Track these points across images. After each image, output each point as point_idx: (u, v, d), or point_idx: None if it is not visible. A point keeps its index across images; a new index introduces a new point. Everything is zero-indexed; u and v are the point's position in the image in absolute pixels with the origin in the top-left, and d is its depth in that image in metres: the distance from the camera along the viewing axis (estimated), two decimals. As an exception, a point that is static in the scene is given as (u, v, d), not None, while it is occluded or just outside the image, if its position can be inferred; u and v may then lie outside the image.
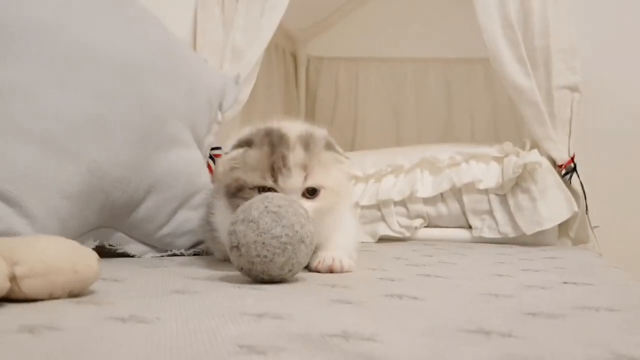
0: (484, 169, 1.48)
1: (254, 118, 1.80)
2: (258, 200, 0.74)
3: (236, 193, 0.83)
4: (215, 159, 1.54)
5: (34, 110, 0.85)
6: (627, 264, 1.45)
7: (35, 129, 0.85)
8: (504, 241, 1.44)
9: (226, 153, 0.86)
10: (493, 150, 1.51)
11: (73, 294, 0.60)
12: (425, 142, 2.12)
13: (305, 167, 0.82)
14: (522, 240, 1.42)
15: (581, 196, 1.46)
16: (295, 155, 0.82)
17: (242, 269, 0.74)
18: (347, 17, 2.30)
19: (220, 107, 1.39)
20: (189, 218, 1.11)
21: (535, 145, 1.50)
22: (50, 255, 0.58)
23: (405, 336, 0.45)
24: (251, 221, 0.72)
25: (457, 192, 1.49)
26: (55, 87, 0.87)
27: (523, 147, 1.52)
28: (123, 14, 1.05)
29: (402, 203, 1.51)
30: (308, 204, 0.82)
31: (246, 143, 0.84)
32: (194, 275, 0.80)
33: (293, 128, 0.85)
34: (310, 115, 2.41)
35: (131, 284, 0.71)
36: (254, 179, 0.82)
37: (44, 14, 0.88)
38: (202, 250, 1.13)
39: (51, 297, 0.58)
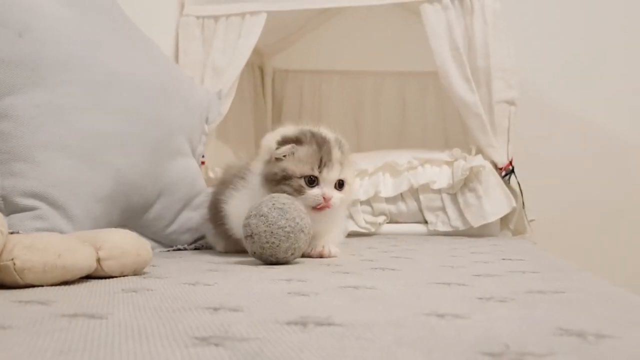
0: (437, 172, 1.69)
1: (226, 126, 1.98)
2: (267, 199, 0.94)
3: (281, 181, 1.01)
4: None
5: (74, 128, 1.02)
6: (558, 249, 1.71)
7: (74, 144, 1.02)
8: (455, 233, 1.64)
9: (276, 148, 1.01)
10: (444, 156, 1.73)
11: (136, 273, 0.79)
12: (383, 147, 2.32)
13: (341, 164, 1.02)
14: (470, 232, 1.63)
15: (518, 194, 1.70)
16: (336, 153, 1.02)
17: (254, 253, 0.93)
18: (310, 34, 2.46)
19: (206, 120, 1.57)
20: (190, 217, 1.29)
21: (479, 150, 1.70)
22: (122, 242, 0.77)
23: (394, 287, 0.66)
24: (262, 215, 0.92)
25: (414, 192, 1.69)
26: (90, 109, 1.05)
27: (469, 153, 1.72)
28: (136, 43, 1.23)
29: (367, 202, 1.71)
30: (338, 194, 1.02)
31: (294, 141, 1.01)
32: (212, 261, 0.99)
33: (328, 133, 1.06)
34: (277, 124, 2.59)
35: (169, 268, 0.89)
36: (304, 169, 1.00)
37: (80, 48, 1.05)
38: (201, 245, 1.32)
39: (122, 275, 0.77)
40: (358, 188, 1.70)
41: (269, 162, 1.03)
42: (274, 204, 0.92)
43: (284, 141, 1.02)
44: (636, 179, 2.30)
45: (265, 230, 0.90)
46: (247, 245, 0.93)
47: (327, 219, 1.05)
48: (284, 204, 0.93)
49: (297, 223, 0.92)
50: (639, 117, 2.32)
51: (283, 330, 0.43)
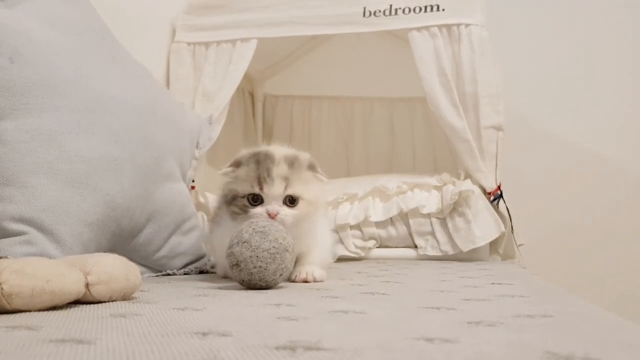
0: (426, 196, 1.71)
1: (217, 151, 1.99)
2: (246, 225, 0.94)
3: (231, 201, 1.04)
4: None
5: (63, 153, 1.02)
6: (547, 273, 1.72)
7: (63, 169, 1.02)
8: (444, 258, 1.66)
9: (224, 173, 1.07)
10: (433, 180, 1.75)
11: (125, 298, 0.78)
12: (373, 172, 2.34)
13: (286, 179, 1.02)
14: (460, 257, 1.65)
15: (507, 218, 1.72)
16: (279, 169, 1.02)
17: (243, 281, 0.93)
18: (300, 60, 2.49)
19: (197, 144, 1.58)
20: (180, 242, 1.29)
21: (468, 175, 1.73)
22: (111, 267, 0.76)
23: (384, 311, 0.66)
24: (244, 242, 0.91)
25: (404, 217, 1.71)
26: (79, 133, 1.05)
27: (458, 177, 1.75)
28: (126, 68, 1.24)
29: (357, 227, 1.72)
30: (288, 210, 1.02)
31: (235, 164, 1.06)
32: (201, 286, 0.98)
33: (281, 150, 1.07)
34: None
35: (158, 293, 0.89)
36: (245, 188, 1.03)
37: (70, 73, 1.06)
38: (191, 270, 1.31)
39: (111, 300, 0.76)
40: (348, 211, 1.71)
41: (225, 185, 1.07)
42: (254, 229, 0.92)
43: (230, 165, 1.06)
44: (624, 202, 2.33)
45: (250, 256, 0.90)
46: (234, 274, 0.92)
47: (303, 239, 1.05)
48: (264, 226, 0.93)
49: (281, 243, 0.92)
50: (626, 141, 2.35)
51: (272, 355, 0.43)
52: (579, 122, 2.37)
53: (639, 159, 2.34)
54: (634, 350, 0.46)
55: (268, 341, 0.48)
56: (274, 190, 1.01)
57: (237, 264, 0.91)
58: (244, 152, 1.08)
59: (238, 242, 0.92)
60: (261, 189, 1.01)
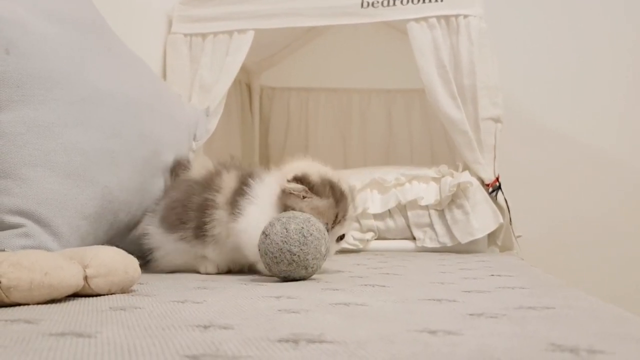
0: (424, 188, 1.70)
1: (214, 143, 1.98)
2: (296, 231, 0.89)
3: None
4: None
5: (60, 145, 1.01)
6: (545, 265, 1.71)
7: (60, 161, 1.01)
8: (442, 250, 1.65)
9: (288, 181, 1.00)
10: (431, 172, 1.74)
11: (124, 291, 0.78)
12: (370, 164, 2.34)
13: (350, 218, 1.04)
14: (458, 249, 1.64)
15: (505, 210, 1.71)
16: (351, 210, 1.04)
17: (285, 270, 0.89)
18: (297, 51, 2.48)
19: (194, 137, 1.57)
20: (178, 235, 1.28)
21: (466, 167, 1.72)
22: (109, 259, 0.76)
23: (385, 303, 0.65)
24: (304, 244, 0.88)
25: (402, 208, 1.70)
26: (76, 125, 1.04)
27: (456, 169, 1.74)
28: (123, 61, 1.23)
29: (355, 219, 1.71)
30: (336, 246, 1.03)
31: (312, 188, 0.99)
32: (200, 279, 0.98)
33: (342, 179, 1.05)
34: (264, 141, 2.60)
35: (157, 285, 0.88)
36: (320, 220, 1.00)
37: (66, 65, 1.05)
38: (189, 262, 1.30)
39: (109, 293, 0.76)
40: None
41: (283, 192, 0.99)
42: (309, 232, 0.89)
43: (308, 186, 0.98)
44: (621, 195, 2.33)
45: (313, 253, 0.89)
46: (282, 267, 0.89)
47: None
48: (311, 234, 0.89)
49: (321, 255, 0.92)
50: (625, 134, 2.35)
51: (275, 348, 0.43)
52: (576, 114, 2.37)
53: (637, 152, 2.35)
54: (638, 343, 0.46)
55: (270, 334, 0.48)
56: (341, 231, 1.01)
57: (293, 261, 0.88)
58: (316, 177, 0.99)
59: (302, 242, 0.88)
60: (332, 227, 0.99)
